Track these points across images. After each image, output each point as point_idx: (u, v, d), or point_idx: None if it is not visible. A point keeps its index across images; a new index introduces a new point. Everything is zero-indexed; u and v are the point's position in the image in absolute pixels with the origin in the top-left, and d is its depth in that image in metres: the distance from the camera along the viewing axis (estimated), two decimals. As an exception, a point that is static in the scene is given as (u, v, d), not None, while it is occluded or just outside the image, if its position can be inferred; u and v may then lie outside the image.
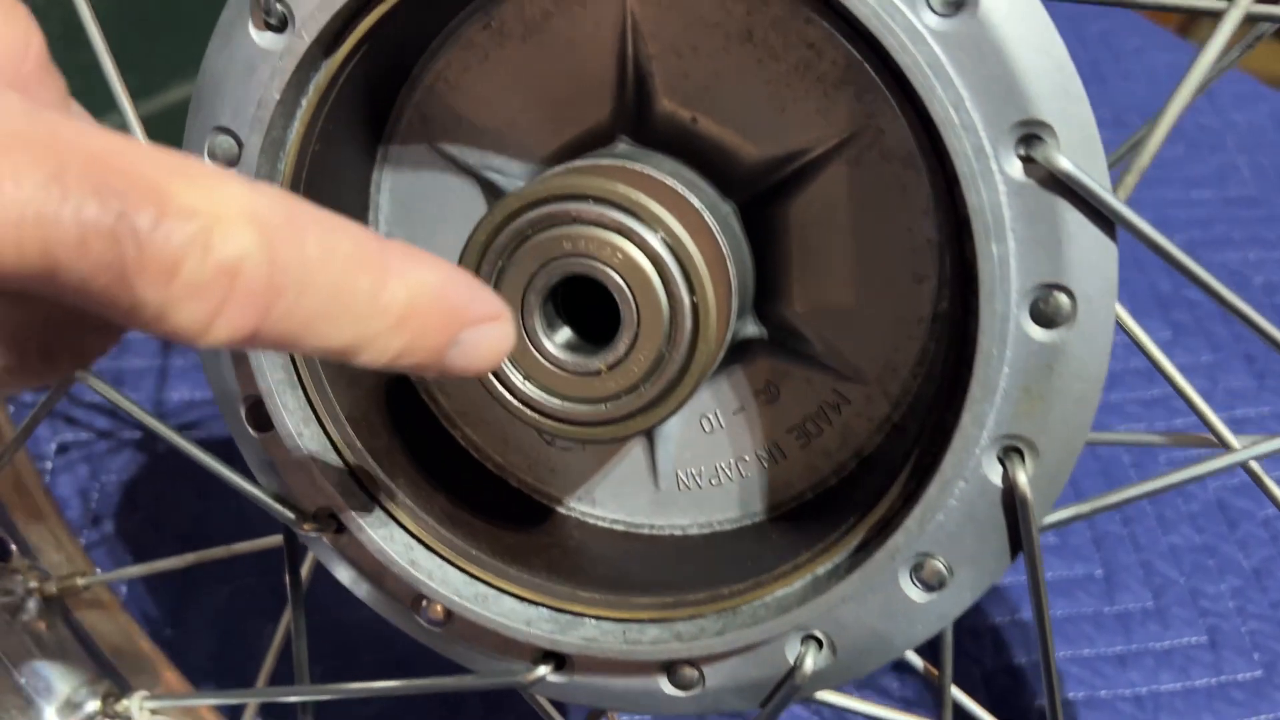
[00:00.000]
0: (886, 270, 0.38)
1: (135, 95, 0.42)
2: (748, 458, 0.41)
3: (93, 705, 0.52)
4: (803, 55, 0.36)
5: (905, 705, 0.64)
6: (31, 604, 0.55)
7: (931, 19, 0.30)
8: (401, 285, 0.25)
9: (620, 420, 0.34)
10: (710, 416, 0.41)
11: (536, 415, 0.34)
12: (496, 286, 0.33)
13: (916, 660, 0.47)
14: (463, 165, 0.40)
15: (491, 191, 0.41)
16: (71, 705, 0.52)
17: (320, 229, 0.24)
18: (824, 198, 0.38)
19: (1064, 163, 0.30)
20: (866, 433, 0.40)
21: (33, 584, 0.55)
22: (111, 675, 0.55)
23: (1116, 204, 0.30)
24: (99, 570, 0.58)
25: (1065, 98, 0.30)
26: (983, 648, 0.69)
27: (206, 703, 0.50)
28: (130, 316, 0.22)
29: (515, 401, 0.34)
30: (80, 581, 0.54)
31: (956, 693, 0.48)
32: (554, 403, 0.34)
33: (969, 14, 0.30)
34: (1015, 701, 0.64)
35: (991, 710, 0.59)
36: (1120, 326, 0.37)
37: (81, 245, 0.21)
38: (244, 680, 0.61)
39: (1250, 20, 0.34)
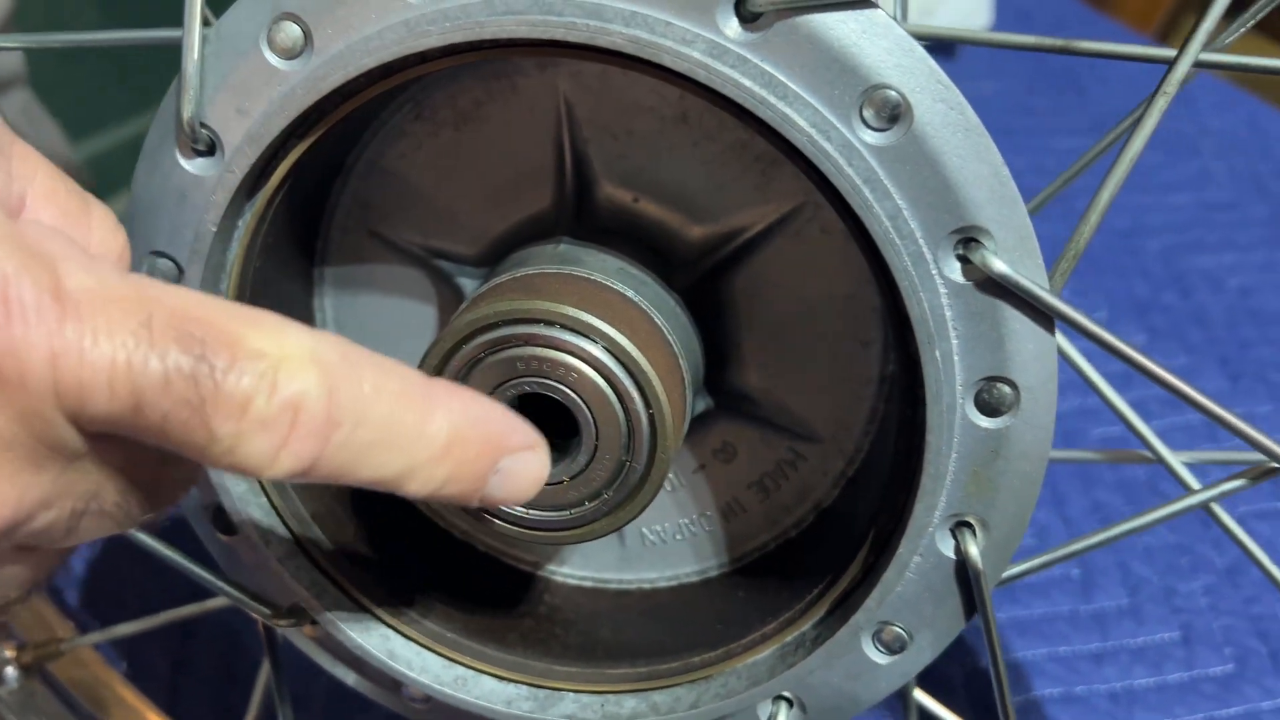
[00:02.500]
0: (832, 336, 0.39)
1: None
2: (710, 513, 0.43)
3: (83, 769, 0.53)
4: (739, 136, 0.37)
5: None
6: (10, 672, 0.55)
7: (867, 134, 0.30)
8: (445, 416, 0.27)
9: (585, 525, 0.35)
10: (671, 476, 0.42)
11: (502, 524, 0.35)
12: (453, 406, 0.34)
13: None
14: (404, 250, 0.40)
15: (436, 276, 0.40)
16: (63, 773, 0.53)
17: (372, 369, 0.26)
18: (767, 271, 0.38)
19: (1001, 266, 0.31)
20: (823, 487, 0.41)
21: (8, 653, 0.55)
22: (98, 733, 0.56)
23: (1053, 300, 0.31)
24: (77, 630, 0.58)
25: (1001, 203, 0.31)
26: (962, 650, 0.71)
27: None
28: (204, 451, 0.24)
29: (482, 512, 0.35)
30: (60, 647, 0.55)
31: (920, 695, 0.50)
32: (518, 512, 0.35)
33: (904, 127, 0.30)
34: (993, 701, 0.67)
35: (970, 711, 0.62)
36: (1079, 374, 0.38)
37: (165, 385, 0.23)
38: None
39: (1201, 67, 0.35)
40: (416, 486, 0.27)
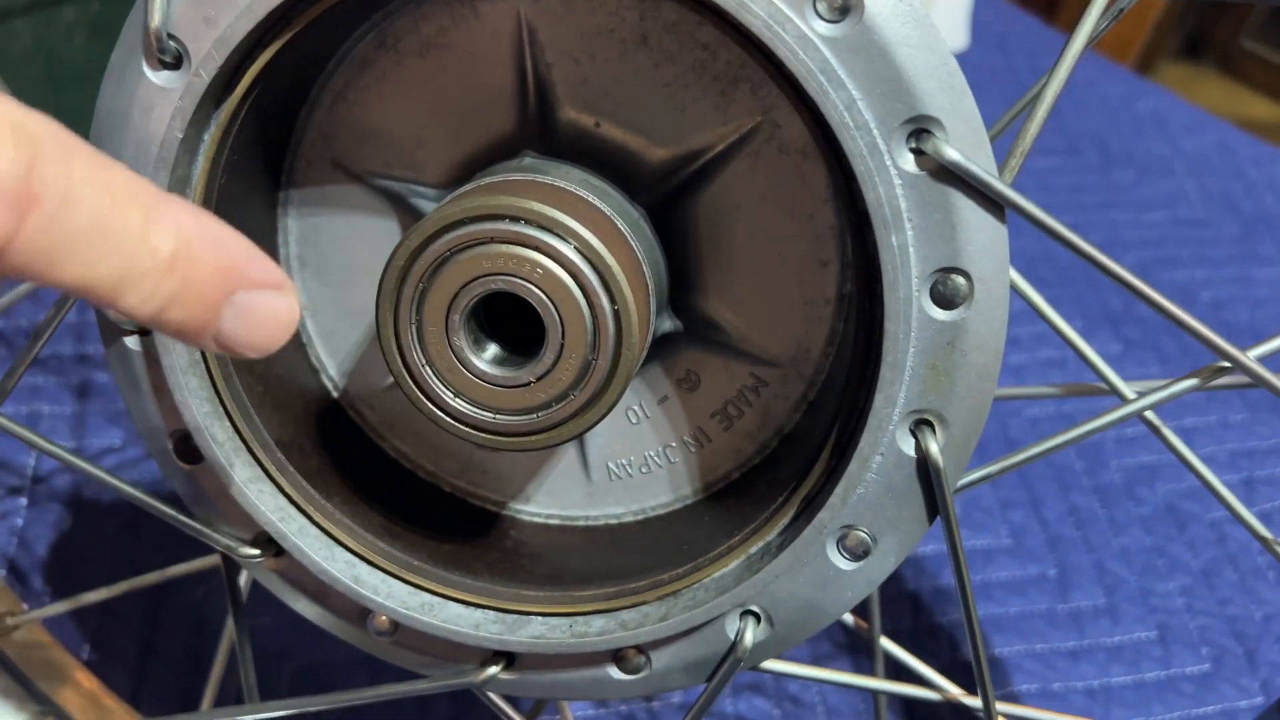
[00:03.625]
0: (792, 257, 0.39)
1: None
2: (674, 444, 0.43)
3: (36, 744, 0.52)
4: (698, 57, 0.38)
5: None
6: (-40, 648, 0.54)
7: (820, 25, 0.31)
8: (173, 227, 0.25)
9: (553, 428, 0.35)
10: (636, 408, 0.43)
11: (470, 430, 0.35)
12: (419, 308, 0.34)
13: (848, 617, 0.50)
14: (369, 181, 0.41)
15: (400, 205, 0.41)
16: (15, 746, 0.51)
17: (92, 159, 0.24)
18: (728, 192, 0.39)
19: (952, 153, 0.32)
20: (785, 412, 0.42)
21: (-41, 629, 0.54)
22: (54, 710, 0.55)
23: (1003, 188, 0.32)
24: (27, 609, 0.57)
25: (951, 92, 0.32)
26: (939, 642, 0.72)
27: (153, 729, 0.50)
28: None
29: (448, 418, 0.35)
30: (9, 621, 0.54)
31: (886, 643, 0.50)
32: (486, 417, 0.35)
33: (855, 18, 0.31)
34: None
35: (949, 707, 0.62)
36: (1020, 295, 0.39)
37: None
38: (193, 702, 0.61)
39: None
40: (134, 301, 0.24)
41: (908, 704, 0.68)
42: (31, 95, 0.77)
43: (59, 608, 0.53)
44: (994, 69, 1.27)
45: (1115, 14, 0.41)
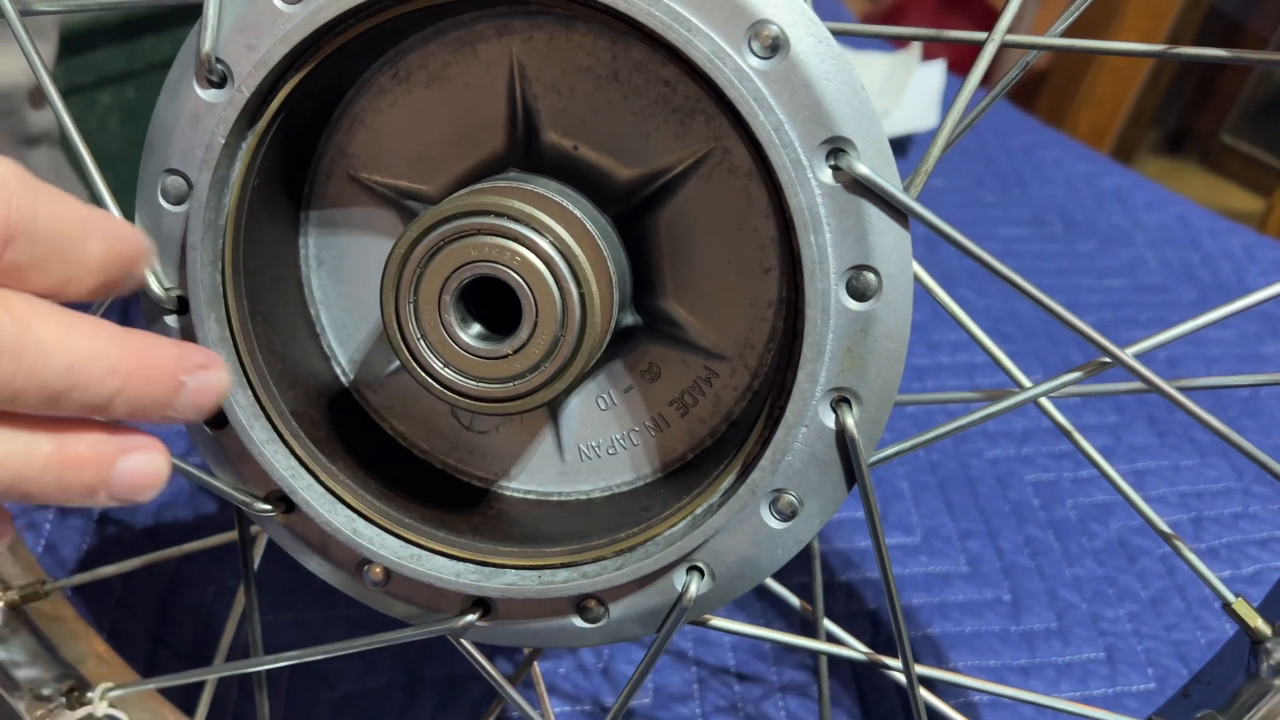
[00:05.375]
0: (740, 264, 0.46)
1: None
2: (637, 429, 0.49)
3: (59, 700, 0.57)
4: (661, 91, 0.44)
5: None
6: (-6, 609, 0.60)
7: (754, 60, 0.38)
8: (99, 239, 0.35)
9: (526, 395, 0.41)
10: (604, 396, 0.49)
11: (455, 395, 0.41)
12: (416, 289, 0.40)
13: (794, 599, 0.55)
14: (378, 192, 0.47)
15: (405, 213, 0.48)
16: (40, 700, 0.57)
17: (48, 196, 0.32)
18: (685, 207, 0.46)
19: (863, 169, 0.38)
20: (733, 400, 0.48)
21: (-7, 592, 0.59)
22: (74, 676, 0.60)
23: (905, 198, 0.39)
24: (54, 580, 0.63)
25: (862, 118, 0.38)
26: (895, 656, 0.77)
27: (165, 684, 0.55)
28: None
29: (437, 385, 0.41)
30: (43, 588, 0.59)
31: (829, 625, 0.56)
32: (470, 384, 0.41)
33: (783, 55, 0.38)
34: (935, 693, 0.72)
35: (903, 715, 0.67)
36: (922, 286, 0.45)
37: None
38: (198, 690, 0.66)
39: (1008, 46, 0.43)
40: (75, 292, 0.34)
41: (863, 701, 0.73)
42: (69, 174, 0.84)
43: (86, 577, 0.59)
44: (964, 147, 1.35)
45: (1023, 66, 0.48)
